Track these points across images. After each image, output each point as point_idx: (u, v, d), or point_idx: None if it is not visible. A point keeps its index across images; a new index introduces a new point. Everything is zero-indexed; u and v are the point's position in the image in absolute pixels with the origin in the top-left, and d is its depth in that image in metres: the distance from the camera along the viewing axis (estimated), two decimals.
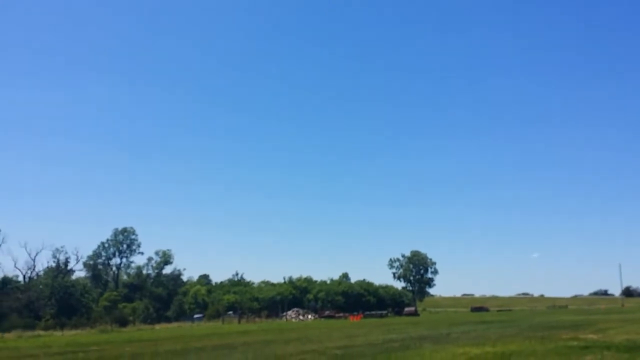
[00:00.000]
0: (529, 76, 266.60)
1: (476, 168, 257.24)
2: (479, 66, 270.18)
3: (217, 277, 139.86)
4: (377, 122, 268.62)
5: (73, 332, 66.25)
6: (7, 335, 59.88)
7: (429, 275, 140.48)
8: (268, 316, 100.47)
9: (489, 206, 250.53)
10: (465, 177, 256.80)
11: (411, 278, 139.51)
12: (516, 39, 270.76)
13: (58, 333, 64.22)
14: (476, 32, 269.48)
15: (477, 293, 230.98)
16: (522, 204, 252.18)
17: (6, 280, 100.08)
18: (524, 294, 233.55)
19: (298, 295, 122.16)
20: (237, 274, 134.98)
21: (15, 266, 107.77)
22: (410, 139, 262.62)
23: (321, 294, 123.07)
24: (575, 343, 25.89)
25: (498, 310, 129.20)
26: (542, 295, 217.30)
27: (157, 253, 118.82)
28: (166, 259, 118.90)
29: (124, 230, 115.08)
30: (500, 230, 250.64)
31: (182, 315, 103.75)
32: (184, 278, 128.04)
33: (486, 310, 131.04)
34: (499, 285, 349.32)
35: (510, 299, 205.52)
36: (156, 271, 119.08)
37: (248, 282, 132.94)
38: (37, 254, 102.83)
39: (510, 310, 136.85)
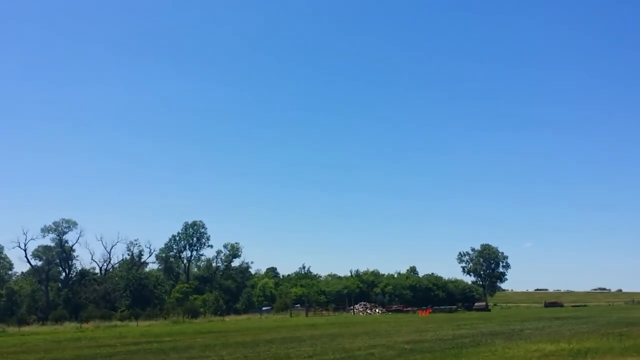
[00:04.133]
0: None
1: (548, 161, 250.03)
2: (560, 58, 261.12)
3: (284, 270, 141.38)
4: (446, 116, 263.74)
5: (147, 322, 68.34)
6: (85, 325, 62.46)
7: (500, 269, 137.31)
8: (335, 309, 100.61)
9: (563, 200, 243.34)
10: (537, 170, 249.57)
11: (481, 272, 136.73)
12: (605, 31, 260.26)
13: (133, 324, 66.39)
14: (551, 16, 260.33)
15: (551, 288, 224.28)
16: (592, 197, 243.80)
17: (84, 273, 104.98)
18: (600, 289, 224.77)
19: (365, 289, 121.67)
20: (304, 267, 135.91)
21: (92, 259, 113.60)
22: (481, 132, 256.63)
23: (388, 288, 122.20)
24: None
25: (573, 306, 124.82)
26: (620, 290, 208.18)
27: (225, 246, 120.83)
28: (234, 252, 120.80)
29: (194, 224, 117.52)
30: (574, 224, 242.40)
31: (251, 307, 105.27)
32: (252, 271, 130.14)
33: (560, 305, 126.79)
34: (574, 280, 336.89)
35: (586, 294, 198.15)
36: (225, 264, 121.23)
37: (315, 276, 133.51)
38: (112, 247, 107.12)
39: (585, 305, 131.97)
